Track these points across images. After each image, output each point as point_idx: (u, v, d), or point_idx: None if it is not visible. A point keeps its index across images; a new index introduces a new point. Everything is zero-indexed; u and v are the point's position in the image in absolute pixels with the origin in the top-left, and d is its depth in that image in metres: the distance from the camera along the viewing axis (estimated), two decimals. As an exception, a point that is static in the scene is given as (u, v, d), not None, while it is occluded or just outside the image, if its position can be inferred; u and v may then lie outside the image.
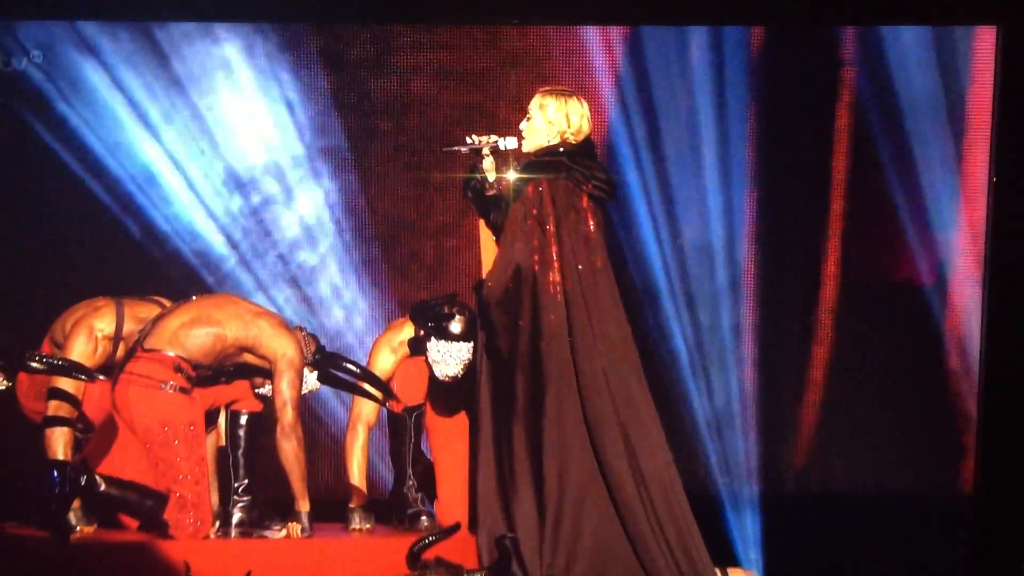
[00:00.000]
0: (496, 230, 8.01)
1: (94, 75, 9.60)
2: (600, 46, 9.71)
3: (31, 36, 9.47)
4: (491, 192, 7.93)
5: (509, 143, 7.92)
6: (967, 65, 9.41)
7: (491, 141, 7.93)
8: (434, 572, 7.41)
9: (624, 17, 9.48)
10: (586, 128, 7.98)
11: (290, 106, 9.77)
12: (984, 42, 9.35)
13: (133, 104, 9.69)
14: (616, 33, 9.64)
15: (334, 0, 9.53)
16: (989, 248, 8.06)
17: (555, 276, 7.89)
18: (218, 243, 9.83)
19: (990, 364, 8.57)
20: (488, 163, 7.92)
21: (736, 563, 9.06)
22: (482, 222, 8.10)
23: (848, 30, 9.50)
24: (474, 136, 7.98)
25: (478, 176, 7.98)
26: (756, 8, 9.35)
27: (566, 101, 7.95)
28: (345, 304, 9.91)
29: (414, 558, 7.47)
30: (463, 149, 7.99)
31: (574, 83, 9.48)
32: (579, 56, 9.73)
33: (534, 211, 7.92)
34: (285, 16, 9.54)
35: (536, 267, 7.89)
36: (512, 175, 7.97)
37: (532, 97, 8.11)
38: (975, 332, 9.52)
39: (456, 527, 7.80)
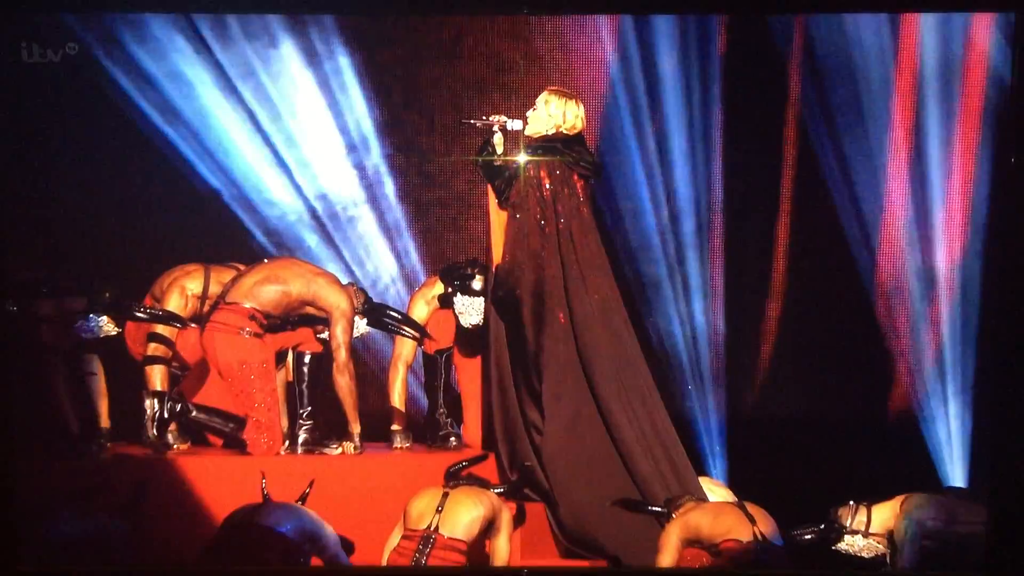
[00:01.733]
0: (499, 194, 8.62)
1: (182, 59, 9.73)
2: (604, 35, 9.90)
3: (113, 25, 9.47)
4: (498, 162, 8.59)
5: (515, 125, 8.61)
6: (892, 50, 9.63)
7: (501, 120, 8.64)
8: (466, 484, 7.88)
9: (618, 6, 9.45)
10: (580, 126, 8.64)
11: (344, 91, 10.00)
12: (909, 28, 9.53)
13: (215, 89, 9.85)
14: (608, 21, 9.87)
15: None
16: (1006, 230, 7.78)
17: (551, 239, 8.54)
18: (291, 215, 10.09)
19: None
20: (497, 138, 8.63)
21: (706, 473, 9.32)
22: (490, 188, 8.72)
23: (798, 17, 9.59)
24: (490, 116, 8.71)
25: (488, 148, 8.69)
26: None
27: (566, 101, 8.62)
28: (388, 264, 10.15)
29: (451, 476, 7.94)
30: (478, 123, 8.68)
31: (574, 70, 9.90)
32: (585, 46, 9.94)
33: (533, 187, 8.58)
34: (331, 8, 9.55)
35: (536, 234, 8.57)
36: (515, 152, 8.61)
37: (537, 87, 8.86)
38: (904, 282, 9.73)
39: (485, 456, 8.34)
